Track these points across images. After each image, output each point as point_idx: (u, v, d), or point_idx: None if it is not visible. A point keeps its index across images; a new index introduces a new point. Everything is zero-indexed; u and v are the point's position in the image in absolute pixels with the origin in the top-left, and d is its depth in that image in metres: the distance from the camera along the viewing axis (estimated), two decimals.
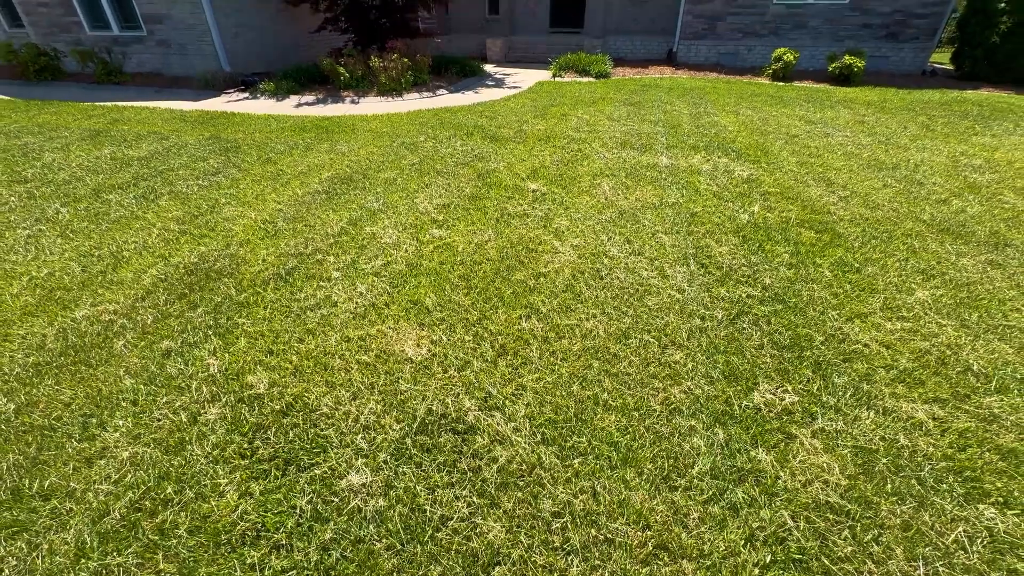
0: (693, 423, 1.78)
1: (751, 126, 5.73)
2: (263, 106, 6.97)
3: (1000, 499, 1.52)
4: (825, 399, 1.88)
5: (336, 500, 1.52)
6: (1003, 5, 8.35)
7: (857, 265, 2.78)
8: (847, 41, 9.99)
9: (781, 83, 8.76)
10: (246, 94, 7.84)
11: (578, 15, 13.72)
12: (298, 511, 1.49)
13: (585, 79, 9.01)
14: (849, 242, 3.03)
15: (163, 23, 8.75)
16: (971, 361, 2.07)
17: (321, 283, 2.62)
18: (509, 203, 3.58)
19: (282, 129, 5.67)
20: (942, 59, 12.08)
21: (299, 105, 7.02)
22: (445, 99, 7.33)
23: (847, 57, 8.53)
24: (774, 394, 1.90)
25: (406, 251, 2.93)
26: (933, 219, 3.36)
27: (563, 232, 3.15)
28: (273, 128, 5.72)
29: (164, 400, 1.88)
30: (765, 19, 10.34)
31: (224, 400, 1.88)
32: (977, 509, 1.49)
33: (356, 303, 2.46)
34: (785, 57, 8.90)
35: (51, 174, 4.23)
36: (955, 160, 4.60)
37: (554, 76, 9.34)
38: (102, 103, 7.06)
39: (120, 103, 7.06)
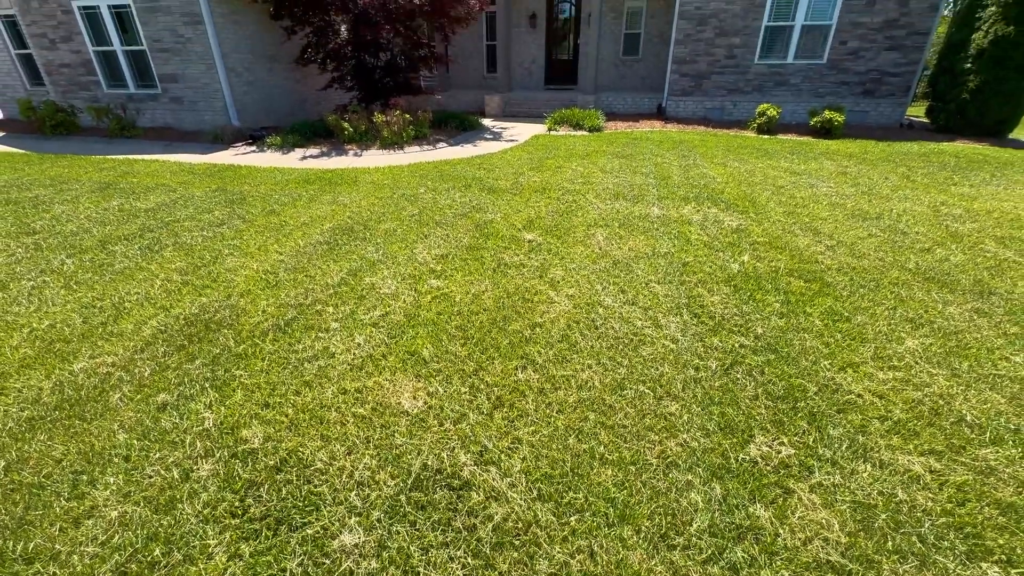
0: (690, 477, 1.76)
1: (739, 177, 5.96)
2: (269, 159, 7.23)
3: (1003, 557, 1.50)
4: (821, 452, 1.88)
5: (328, 562, 1.48)
6: (968, 65, 8.89)
7: (847, 314, 2.83)
8: (827, 97, 10.56)
9: (766, 136, 9.17)
10: (253, 147, 8.16)
11: (571, 73, 14.51)
12: (288, 575, 1.45)
13: (579, 133, 9.42)
14: (838, 291, 3.10)
15: (177, 82, 9.22)
16: (964, 411, 2.08)
17: (320, 334, 2.65)
18: (505, 253, 3.67)
19: (287, 181, 5.87)
20: (918, 112, 12.71)
21: (304, 158, 7.29)
22: (445, 152, 7.63)
23: (827, 112, 8.99)
24: (770, 447, 1.90)
25: (404, 301, 2.99)
26: (918, 268, 3.45)
27: (558, 282, 3.22)
28: (278, 180, 5.92)
29: (157, 456, 1.87)
30: (748, 77, 10.96)
31: (218, 455, 1.87)
32: (980, 568, 1.46)
33: (354, 354, 2.48)
34: (768, 112, 9.36)
35: (59, 226, 4.34)
36: (936, 210, 4.77)
37: (549, 130, 9.76)
38: (114, 156, 7.33)
39: (131, 156, 7.33)
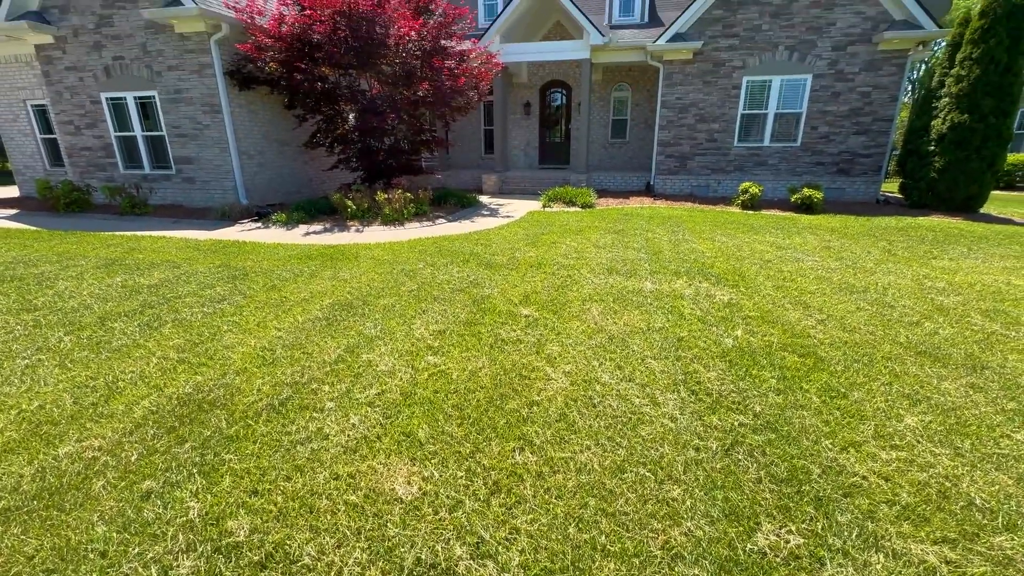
0: (697, 571, 1.68)
1: (727, 252, 6.18)
2: (274, 235, 7.48)
3: None
4: (831, 541, 1.80)
5: None
6: (932, 148, 9.57)
7: (843, 390, 2.84)
8: (804, 176, 11.22)
9: (750, 211, 9.62)
10: (259, 224, 8.46)
11: (564, 154, 15.44)
12: None
13: (572, 209, 9.85)
14: (832, 366, 3.13)
15: (192, 163, 9.74)
16: (972, 494, 2.03)
17: (314, 414, 2.62)
18: (503, 328, 3.71)
19: (289, 257, 6.03)
20: (892, 188, 13.45)
21: (307, 234, 7.54)
22: (444, 228, 7.93)
23: (806, 189, 9.51)
24: (778, 535, 1.83)
25: (401, 379, 2.98)
26: (909, 342, 3.50)
27: (555, 358, 3.24)
28: (281, 256, 6.09)
29: (136, 551, 1.77)
30: (729, 158, 11.70)
31: (200, 550, 1.77)
32: None
33: (348, 436, 2.43)
34: (751, 190, 9.90)
35: (61, 302, 4.39)
36: (920, 283, 4.92)
37: (544, 207, 10.22)
38: (122, 232, 7.57)
39: (139, 232, 7.57)
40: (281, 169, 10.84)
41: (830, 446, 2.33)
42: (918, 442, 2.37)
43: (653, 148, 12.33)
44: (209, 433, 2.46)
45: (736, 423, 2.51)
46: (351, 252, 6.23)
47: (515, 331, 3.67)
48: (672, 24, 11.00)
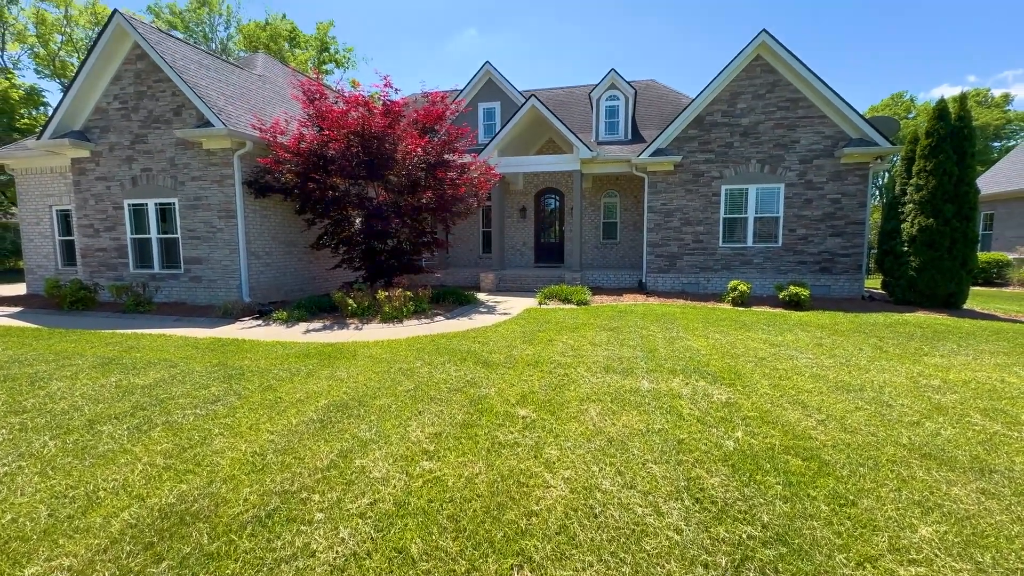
0: None
1: (721, 349, 6.26)
2: (274, 333, 7.56)
3: None
4: None
5: None
6: (906, 248, 10.13)
7: (852, 497, 2.75)
8: (789, 274, 11.70)
9: (741, 308, 9.87)
10: (260, 322, 8.57)
11: (559, 253, 16.15)
12: None
13: (567, 306, 10.09)
14: (837, 471, 3.05)
15: (200, 264, 10.13)
16: None
17: (302, 527, 2.49)
18: (500, 431, 3.65)
19: (287, 355, 6.05)
20: (876, 284, 13.93)
21: (307, 332, 7.63)
22: (442, 325, 8.05)
23: (792, 287, 9.87)
24: None
25: (395, 487, 2.87)
26: (912, 443, 3.45)
27: (554, 463, 3.16)
28: (279, 354, 6.11)
29: None
30: (716, 257, 12.27)
31: None
32: None
33: (336, 552, 2.30)
34: (740, 287, 10.25)
35: (51, 404, 4.32)
36: (915, 381, 4.95)
37: (540, 304, 10.47)
38: (123, 331, 7.63)
39: (141, 331, 7.64)
40: (286, 268, 11.25)
41: (845, 561, 2.22)
42: (936, 555, 2.26)
43: (643, 248, 12.99)
44: (189, 550, 2.32)
45: (744, 535, 2.40)
46: (349, 350, 6.27)
47: (513, 433, 3.61)
48: (653, 141, 12.21)
